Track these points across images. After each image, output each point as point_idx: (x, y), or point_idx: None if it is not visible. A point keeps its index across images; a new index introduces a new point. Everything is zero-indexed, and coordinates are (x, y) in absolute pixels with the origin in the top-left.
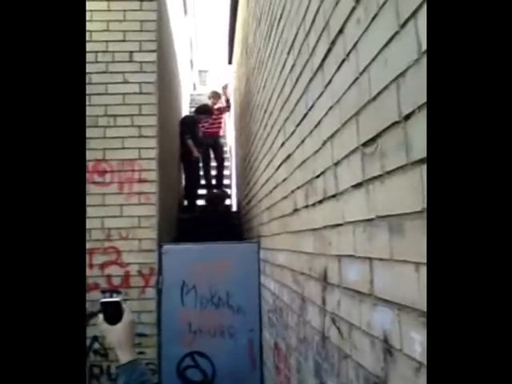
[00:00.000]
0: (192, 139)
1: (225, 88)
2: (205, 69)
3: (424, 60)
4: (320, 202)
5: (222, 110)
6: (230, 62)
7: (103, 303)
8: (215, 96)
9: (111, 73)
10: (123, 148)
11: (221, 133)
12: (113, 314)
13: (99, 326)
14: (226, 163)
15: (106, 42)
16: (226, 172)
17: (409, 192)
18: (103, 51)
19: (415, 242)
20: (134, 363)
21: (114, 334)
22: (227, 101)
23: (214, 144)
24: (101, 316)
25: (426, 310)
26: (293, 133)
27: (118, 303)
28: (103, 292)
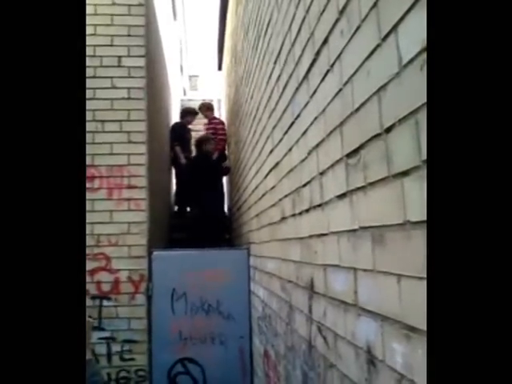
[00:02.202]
0: (180, 146)
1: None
2: (195, 74)
3: (404, 73)
4: (306, 210)
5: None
6: (219, 68)
7: None
8: (203, 108)
9: (99, 77)
10: (112, 154)
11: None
12: None
13: None
14: None
15: (94, 46)
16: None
17: (390, 204)
18: (91, 56)
19: (397, 254)
20: (87, 363)
21: None
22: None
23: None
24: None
25: (407, 322)
26: (280, 140)
27: None
28: (93, 298)
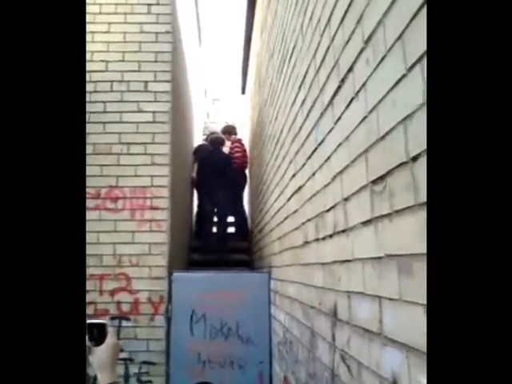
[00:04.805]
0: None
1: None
2: (217, 97)
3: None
4: (330, 236)
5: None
6: (243, 91)
7: (89, 324)
8: (225, 131)
9: (126, 102)
10: (136, 175)
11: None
12: (97, 335)
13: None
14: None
15: (122, 71)
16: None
17: (417, 233)
18: (119, 81)
19: (424, 284)
20: None
21: (97, 355)
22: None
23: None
24: (86, 337)
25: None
26: (303, 165)
27: (103, 325)
28: (112, 319)
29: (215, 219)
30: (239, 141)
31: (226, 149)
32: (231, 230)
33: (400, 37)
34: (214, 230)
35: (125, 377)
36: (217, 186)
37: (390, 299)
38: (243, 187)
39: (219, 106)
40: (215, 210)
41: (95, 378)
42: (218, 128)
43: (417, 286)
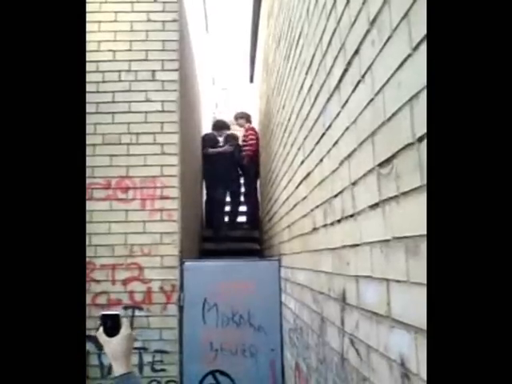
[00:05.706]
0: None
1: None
2: (226, 87)
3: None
4: (338, 221)
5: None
6: (251, 80)
7: (103, 315)
8: (238, 117)
9: (134, 91)
10: (145, 165)
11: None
12: (111, 326)
13: (99, 337)
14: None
15: (129, 61)
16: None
17: (424, 213)
18: (126, 70)
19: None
20: (127, 376)
21: (111, 346)
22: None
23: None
24: (101, 328)
25: None
26: (312, 151)
27: (117, 316)
28: (125, 308)
29: (227, 209)
30: (253, 129)
31: (240, 136)
32: (242, 219)
33: (405, 16)
34: (226, 219)
35: (139, 366)
36: (230, 176)
37: (398, 281)
38: (257, 176)
39: (228, 95)
40: (227, 199)
41: (110, 369)
42: (226, 118)
43: (424, 267)
